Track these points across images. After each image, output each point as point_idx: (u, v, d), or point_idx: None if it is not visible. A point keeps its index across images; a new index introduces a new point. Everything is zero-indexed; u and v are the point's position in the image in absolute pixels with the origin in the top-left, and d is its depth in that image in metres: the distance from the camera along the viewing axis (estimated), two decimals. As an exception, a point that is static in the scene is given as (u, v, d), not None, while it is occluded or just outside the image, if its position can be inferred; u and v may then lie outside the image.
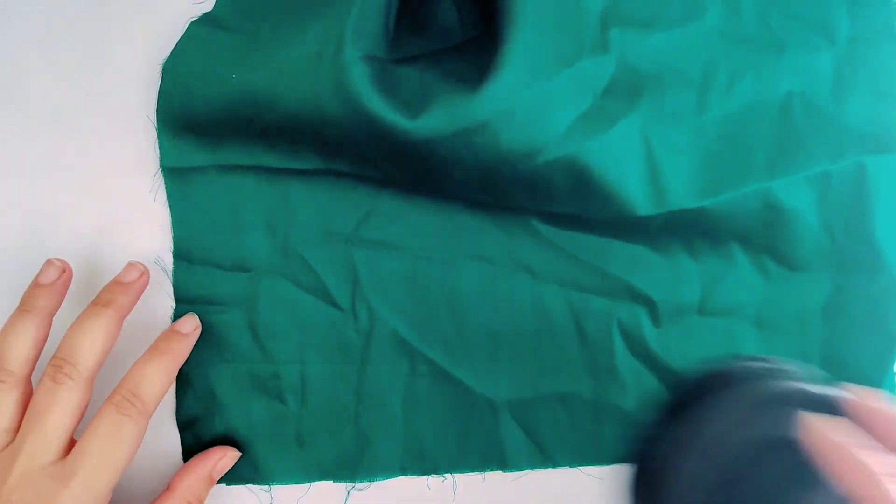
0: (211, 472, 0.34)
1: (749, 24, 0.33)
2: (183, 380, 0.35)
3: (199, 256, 0.35)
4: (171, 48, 0.34)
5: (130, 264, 0.33)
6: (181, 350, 0.32)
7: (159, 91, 0.34)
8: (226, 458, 0.34)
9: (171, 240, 0.35)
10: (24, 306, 0.32)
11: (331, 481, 0.36)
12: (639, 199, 0.33)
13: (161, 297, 0.35)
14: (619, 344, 0.36)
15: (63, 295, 0.33)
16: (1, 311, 0.33)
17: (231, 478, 0.35)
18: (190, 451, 0.35)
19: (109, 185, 0.36)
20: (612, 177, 0.33)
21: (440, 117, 0.30)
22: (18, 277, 0.35)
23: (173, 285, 0.35)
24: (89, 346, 0.31)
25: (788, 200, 0.35)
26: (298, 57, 0.31)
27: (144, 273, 0.33)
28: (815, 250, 0.35)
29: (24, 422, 0.30)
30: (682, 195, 0.33)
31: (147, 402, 0.31)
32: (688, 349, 0.36)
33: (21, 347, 0.31)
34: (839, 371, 0.36)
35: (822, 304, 0.36)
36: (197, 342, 0.34)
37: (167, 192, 0.35)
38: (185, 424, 0.35)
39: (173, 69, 0.34)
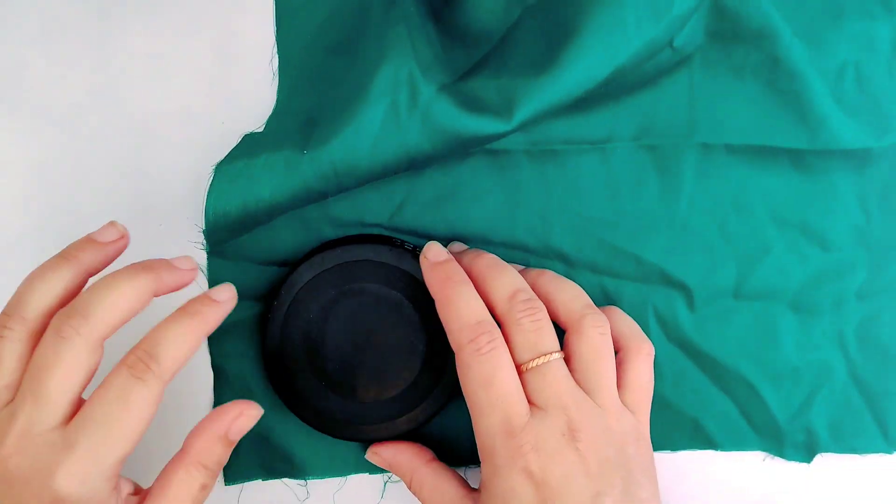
0: (227, 433, 0.29)
1: None
2: (220, 374, 0.35)
3: (233, 251, 0.35)
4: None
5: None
6: (212, 316, 0.28)
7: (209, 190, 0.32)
8: (243, 416, 0.29)
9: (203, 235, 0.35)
10: (65, 255, 0.28)
11: (367, 474, 0.36)
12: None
13: (196, 293, 0.35)
14: (654, 329, 0.36)
15: (111, 260, 0.30)
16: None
17: (267, 472, 0.35)
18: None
19: (143, 189, 0.36)
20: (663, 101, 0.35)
21: (534, 108, 0.31)
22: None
23: (208, 280, 0.35)
24: (110, 305, 0.27)
25: (823, 171, 0.35)
26: (371, 116, 0.31)
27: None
28: (849, 226, 0.35)
29: (24, 379, 0.27)
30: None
31: (165, 365, 0.27)
32: (724, 333, 0.36)
33: (45, 296, 0.27)
34: (876, 352, 0.36)
35: (857, 285, 0.35)
36: (234, 335, 0.34)
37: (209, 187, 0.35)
38: (222, 418, 0.35)
39: (228, 167, 0.32)
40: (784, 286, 0.35)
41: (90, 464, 0.26)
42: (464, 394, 0.30)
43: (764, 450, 0.36)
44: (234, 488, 0.36)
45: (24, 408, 0.26)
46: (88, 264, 0.29)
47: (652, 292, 0.36)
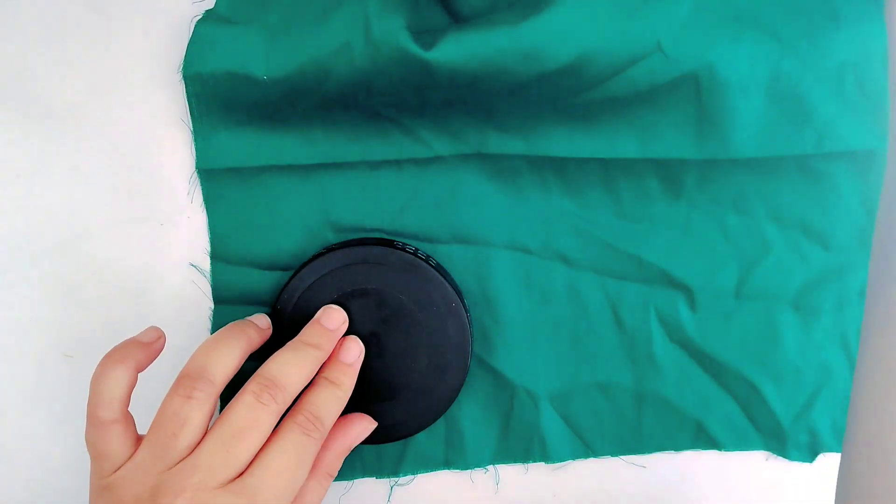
0: (349, 447, 0.34)
1: None
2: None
3: (237, 257, 0.35)
4: (184, 50, 0.34)
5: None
6: (351, 384, 0.32)
7: (187, 97, 0.34)
8: (364, 433, 0.34)
9: (208, 241, 0.36)
10: (237, 331, 0.31)
11: (374, 478, 0.36)
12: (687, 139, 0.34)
13: (200, 299, 0.36)
14: (656, 330, 0.36)
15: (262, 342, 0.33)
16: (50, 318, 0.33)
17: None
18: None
19: (144, 190, 0.36)
20: (665, 111, 0.34)
21: (481, 49, 0.31)
22: (49, 283, 0.35)
23: (212, 286, 0.36)
24: (296, 378, 0.30)
25: (825, 171, 0.35)
26: (328, 48, 0.32)
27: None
28: (851, 226, 0.35)
29: (212, 434, 0.28)
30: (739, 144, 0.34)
31: (326, 427, 0.30)
32: (726, 334, 0.36)
33: (230, 363, 0.30)
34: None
35: (859, 285, 0.36)
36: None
37: (203, 194, 0.35)
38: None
39: (195, 75, 0.34)
40: (785, 286, 0.36)
41: None
42: None
43: (767, 450, 0.36)
44: (242, 493, 0.36)
45: (210, 461, 0.28)
46: (254, 343, 0.32)
47: (654, 293, 0.36)
